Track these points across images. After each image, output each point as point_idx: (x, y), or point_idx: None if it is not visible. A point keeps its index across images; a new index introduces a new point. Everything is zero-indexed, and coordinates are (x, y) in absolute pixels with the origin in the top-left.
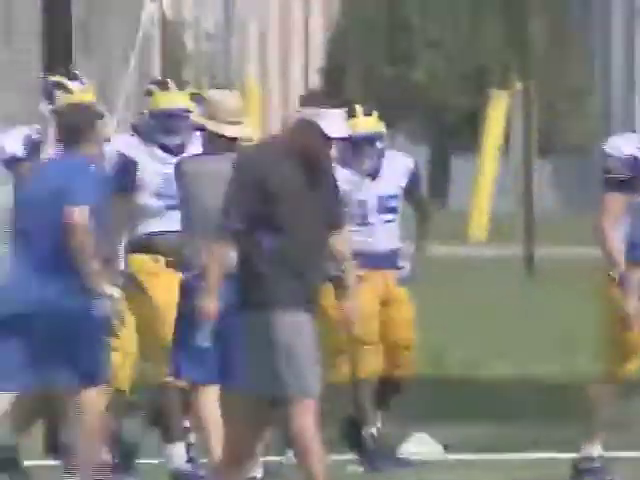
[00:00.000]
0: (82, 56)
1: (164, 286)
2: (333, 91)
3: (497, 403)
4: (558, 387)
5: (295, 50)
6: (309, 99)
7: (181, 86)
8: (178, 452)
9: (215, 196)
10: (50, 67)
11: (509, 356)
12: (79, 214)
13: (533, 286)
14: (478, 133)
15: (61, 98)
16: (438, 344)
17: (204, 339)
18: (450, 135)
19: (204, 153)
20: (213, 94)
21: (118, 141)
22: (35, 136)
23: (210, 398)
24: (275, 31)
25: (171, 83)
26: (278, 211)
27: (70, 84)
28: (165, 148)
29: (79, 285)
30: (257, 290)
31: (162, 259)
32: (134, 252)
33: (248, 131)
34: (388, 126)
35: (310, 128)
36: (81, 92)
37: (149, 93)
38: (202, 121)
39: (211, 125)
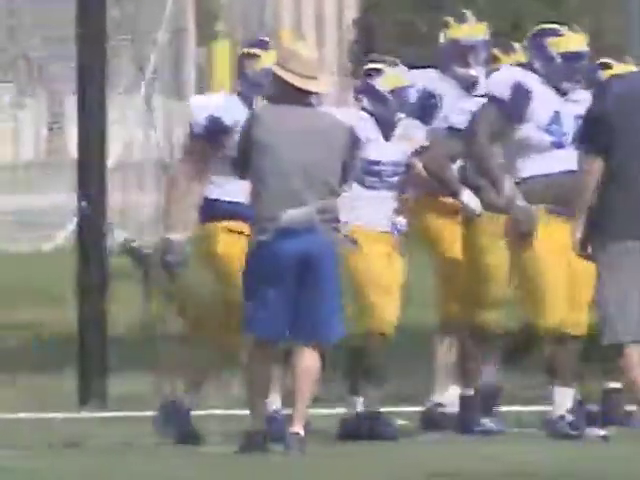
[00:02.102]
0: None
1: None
2: (367, 41)
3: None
4: None
5: (329, 1)
6: None
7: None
8: (564, 399)
9: (291, 148)
10: (82, 19)
11: None
12: None
13: None
14: None
15: None
16: None
17: None
18: None
19: (278, 103)
20: (291, 44)
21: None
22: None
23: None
24: None
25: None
26: None
27: None
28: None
29: None
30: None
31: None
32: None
33: (323, 87)
34: None
35: None
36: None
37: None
38: (278, 70)
39: (287, 75)
